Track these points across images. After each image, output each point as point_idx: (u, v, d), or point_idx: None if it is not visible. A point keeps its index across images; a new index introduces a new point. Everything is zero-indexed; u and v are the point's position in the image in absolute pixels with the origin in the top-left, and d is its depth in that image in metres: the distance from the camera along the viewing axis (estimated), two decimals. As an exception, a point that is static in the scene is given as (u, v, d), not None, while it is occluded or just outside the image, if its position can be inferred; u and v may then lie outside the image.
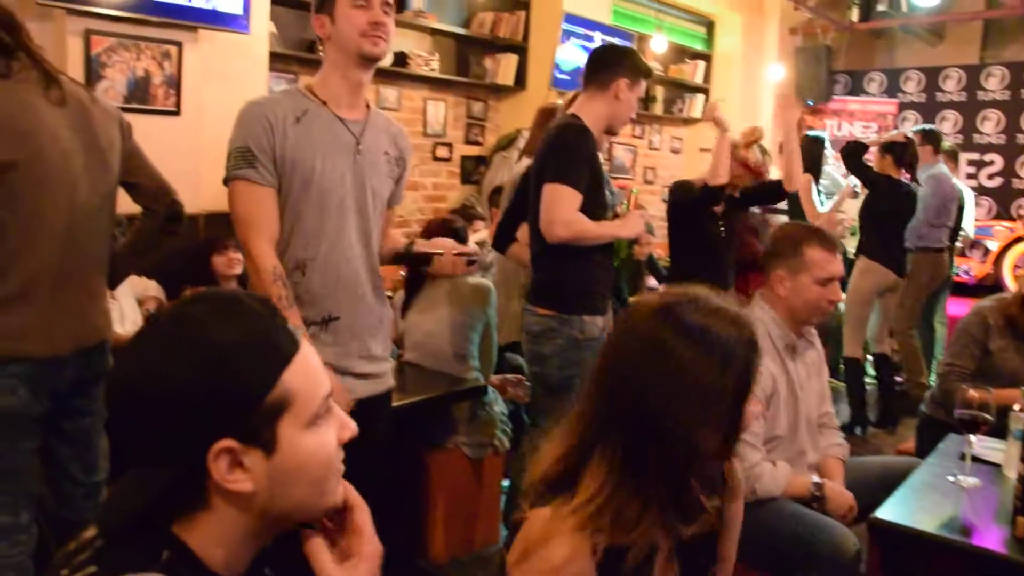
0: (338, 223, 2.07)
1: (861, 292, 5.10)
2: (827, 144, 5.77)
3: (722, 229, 3.60)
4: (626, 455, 1.21)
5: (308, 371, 0.92)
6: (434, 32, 5.93)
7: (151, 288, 3.76)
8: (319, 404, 0.92)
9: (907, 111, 9.26)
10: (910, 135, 5.30)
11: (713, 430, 1.20)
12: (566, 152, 2.67)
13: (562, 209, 2.61)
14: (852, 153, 5.08)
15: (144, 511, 0.86)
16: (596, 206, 2.72)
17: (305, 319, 2.04)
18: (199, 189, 4.16)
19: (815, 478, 2.35)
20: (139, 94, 3.97)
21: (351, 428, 0.97)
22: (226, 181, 2.02)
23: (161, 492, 0.86)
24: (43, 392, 2.04)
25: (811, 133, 6.04)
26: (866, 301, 5.12)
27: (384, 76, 5.62)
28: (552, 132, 2.76)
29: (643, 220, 2.85)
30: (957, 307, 6.20)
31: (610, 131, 2.85)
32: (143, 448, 0.86)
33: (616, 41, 6.69)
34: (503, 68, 6.32)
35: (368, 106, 2.18)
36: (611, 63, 2.82)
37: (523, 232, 3.44)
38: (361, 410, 2.07)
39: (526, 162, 3.78)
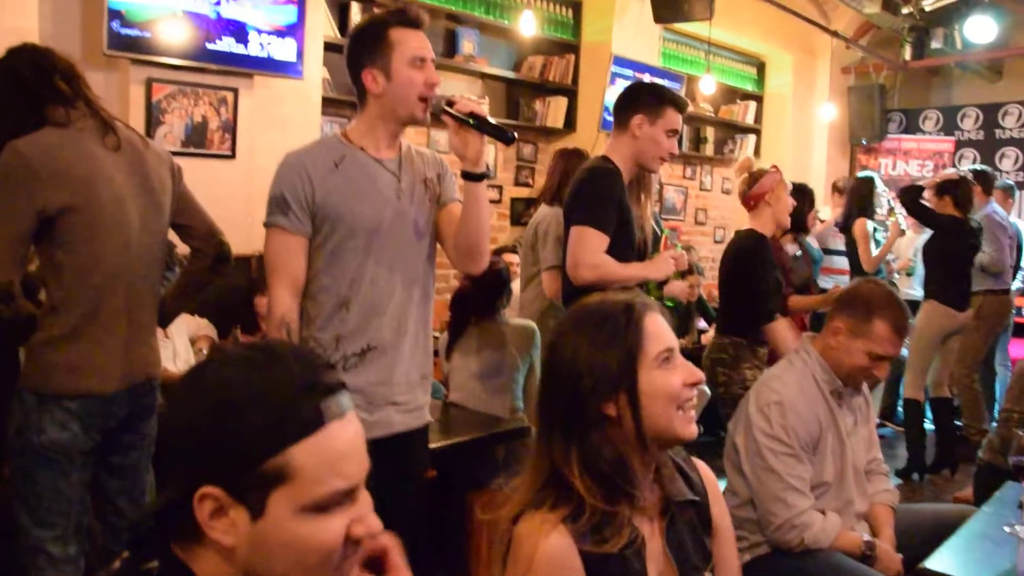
0: (381, 261, 2.07)
1: (928, 335, 4.97)
2: (877, 183, 5.69)
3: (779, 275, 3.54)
4: (560, 446, 1.35)
5: (327, 454, 0.85)
6: (484, 76, 6.03)
7: (203, 327, 3.83)
8: (328, 493, 0.85)
9: (964, 148, 9.08)
10: (963, 173, 5.20)
11: (617, 400, 1.34)
12: (592, 194, 2.67)
13: (587, 252, 2.60)
14: (910, 196, 4.99)
15: (148, 527, 0.88)
16: (625, 247, 2.70)
17: (346, 353, 2.05)
18: (251, 230, 4.18)
19: (866, 536, 2.28)
20: (196, 138, 4.09)
21: (370, 528, 0.89)
22: (265, 227, 2.06)
23: (159, 511, 0.87)
24: (94, 427, 2.09)
25: (861, 174, 5.97)
26: (932, 344, 4.99)
27: (435, 119, 5.70)
28: (580, 175, 2.76)
29: (672, 262, 2.81)
30: (1019, 349, 6.01)
31: (645, 168, 2.81)
32: (157, 469, 0.89)
33: (661, 81, 6.73)
34: (553, 111, 6.37)
35: (402, 145, 2.19)
36: (627, 102, 2.80)
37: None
38: (398, 445, 2.07)
39: (545, 209, 3.80)
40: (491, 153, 6.20)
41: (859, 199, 5.54)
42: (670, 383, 1.35)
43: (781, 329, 3.28)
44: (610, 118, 6.16)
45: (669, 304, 3.08)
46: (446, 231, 2.17)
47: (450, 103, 2.00)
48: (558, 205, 3.78)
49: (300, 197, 2.00)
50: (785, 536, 2.20)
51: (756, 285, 3.31)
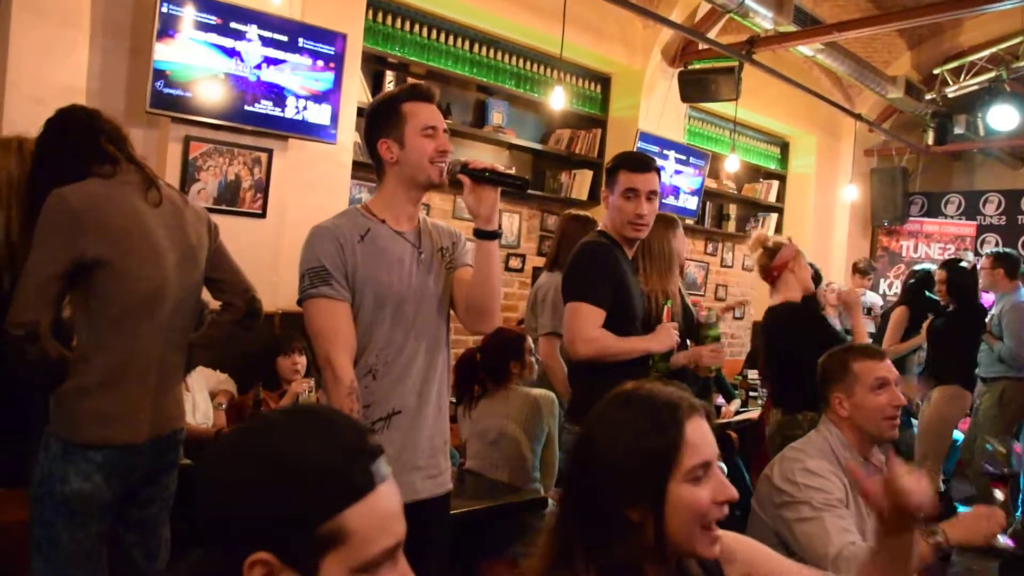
0: (406, 330, 2.11)
1: (947, 420, 4.87)
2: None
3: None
4: (574, 536, 1.27)
5: (377, 515, 0.87)
6: (512, 147, 6.11)
7: (223, 381, 3.82)
8: (378, 553, 0.86)
9: (987, 233, 9.07)
10: (969, 261, 5.19)
11: (641, 507, 1.24)
12: (585, 270, 2.67)
13: (583, 327, 2.58)
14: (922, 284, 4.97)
15: None
16: (625, 322, 2.67)
17: (372, 418, 2.07)
18: (277, 288, 4.26)
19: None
20: (229, 196, 4.15)
21: None
22: (300, 301, 2.07)
23: (200, 573, 0.87)
24: (116, 479, 2.09)
25: (919, 267, 5.90)
26: (950, 430, 4.91)
27: (454, 185, 5.78)
28: (575, 250, 2.77)
29: (675, 333, 2.79)
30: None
31: (626, 238, 2.76)
32: (199, 529, 0.86)
33: (684, 158, 6.80)
34: (578, 183, 6.42)
35: (419, 217, 2.24)
36: (606, 179, 2.81)
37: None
38: (421, 511, 2.07)
39: (546, 275, 3.80)
40: (516, 221, 6.25)
41: (911, 291, 5.48)
42: (699, 500, 1.26)
43: None
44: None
45: (712, 372, 3.06)
46: (457, 293, 2.21)
47: (465, 165, 2.07)
48: (558, 271, 3.83)
49: (339, 267, 2.04)
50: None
51: (815, 352, 3.29)
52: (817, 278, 4.46)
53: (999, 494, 2.17)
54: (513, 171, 2.07)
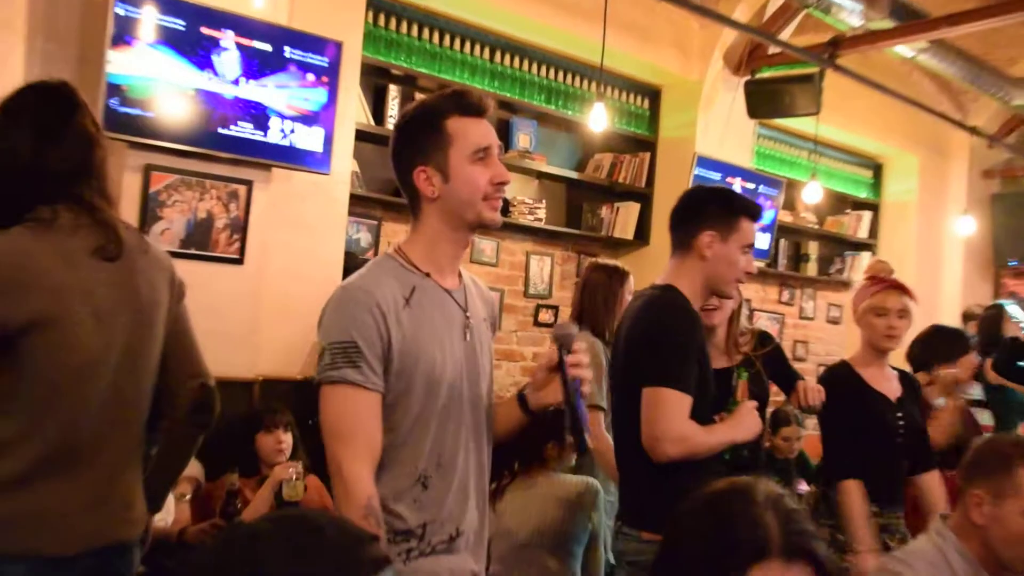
0: (460, 421, 2.06)
1: None
2: (1011, 311, 5.52)
3: (900, 420, 3.41)
4: None
5: None
6: (542, 176, 6.09)
7: (189, 465, 3.75)
8: None
9: None
10: None
11: None
12: (670, 343, 2.60)
13: (672, 421, 2.53)
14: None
15: None
16: (703, 403, 2.64)
17: (433, 542, 2.02)
18: (257, 350, 4.25)
19: None
20: (199, 238, 4.13)
21: None
22: (319, 383, 1.98)
23: None
24: None
25: (996, 302, 5.82)
26: None
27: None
28: (645, 313, 2.69)
29: (757, 414, 2.75)
30: None
31: (719, 295, 2.80)
32: None
33: (751, 187, 6.74)
34: (622, 219, 6.40)
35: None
36: (688, 214, 2.76)
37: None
38: None
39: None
40: (547, 266, 6.20)
41: (987, 334, 5.37)
42: None
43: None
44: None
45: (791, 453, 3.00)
46: None
47: (569, 350, 1.99)
48: (587, 330, 3.82)
49: (376, 345, 1.93)
50: None
51: (847, 422, 3.30)
52: (960, 347, 4.36)
53: None
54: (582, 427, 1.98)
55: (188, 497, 3.63)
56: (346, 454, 1.91)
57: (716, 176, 6.45)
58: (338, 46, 4.43)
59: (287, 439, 3.90)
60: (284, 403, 4.08)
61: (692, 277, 2.71)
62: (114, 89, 3.80)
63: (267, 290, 4.35)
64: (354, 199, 4.89)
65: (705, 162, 6.39)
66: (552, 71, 6.10)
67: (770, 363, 3.24)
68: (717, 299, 2.94)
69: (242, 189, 4.25)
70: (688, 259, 2.71)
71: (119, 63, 3.81)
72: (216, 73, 4.06)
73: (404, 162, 2.05)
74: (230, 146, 4.13)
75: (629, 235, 6.39)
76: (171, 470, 2.38)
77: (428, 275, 2.04)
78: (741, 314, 3.22)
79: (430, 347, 1.98)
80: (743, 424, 2.68)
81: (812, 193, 6.75)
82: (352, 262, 4.74)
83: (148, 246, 2.26)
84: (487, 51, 5.75)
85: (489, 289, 2.29)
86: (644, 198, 6.46)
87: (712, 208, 2.72)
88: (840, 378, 3.41)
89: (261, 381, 4.27)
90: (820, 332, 8.23)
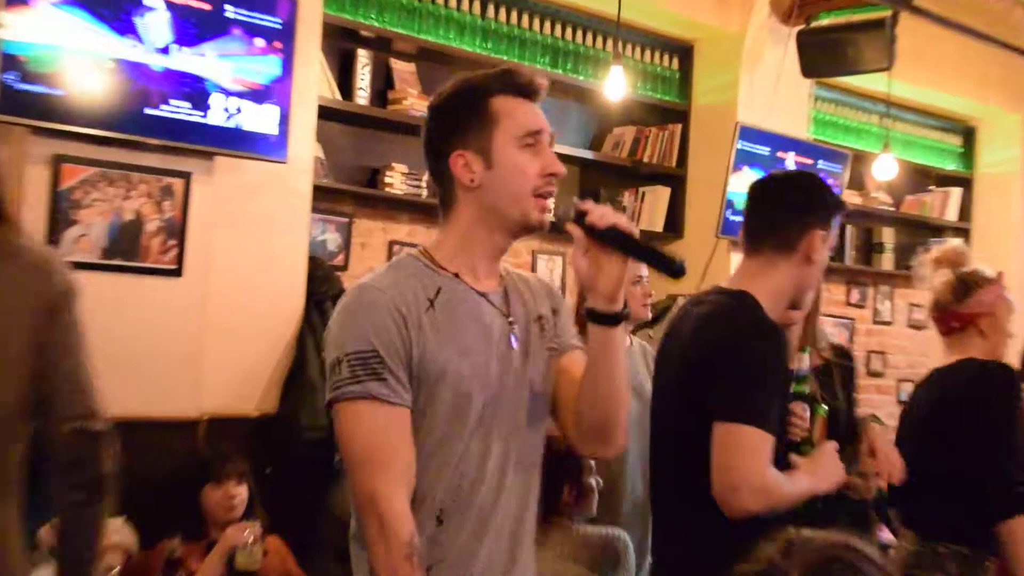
0: (489, 449, 2.10)
1: None
2: None
3: None
4: None
5: None
6: (550, 156, 6.03)
7: (117, 529, 3.67)
8: None
9: None
10: None
11: None
12: (754, 369, 2.59)
13: (754, 469, 2.51)
14: None
15: None
16: (777, 440, 2.65)
17: None
18: (200, 383, 4.22)
19: None
20: (125, 245, 4.08)
21: None
22: (333, 401, 2.04)
23: None
24: None
25: None
26: None
27: (561, 234, 5.72)
28: (717, 327, 2.69)
29: (838, 458, 2.76)
30: None
31: (795, 307, 2.84)
32: None
33: (808, 163, 6.67)
34: (648, 206, 6.39)
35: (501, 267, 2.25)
36: (798, 207, 2.78)
37: None
38: None
39: None
40: (557, 267, 6.13)
41: None
42: None
43: None
44: (736, 218, 6.14)
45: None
46: (564, 395, 2.19)
47: (580, 212, 2.02)
48: None
49: (399, 352, 2.00)
50: None
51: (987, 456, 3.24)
52: None
53: None
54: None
55: (116, 572, 3.57)
56: (380, 483, 1.97)
57: (764, 151, 6.43)
58: (293, 3, 4.40)
59: (240, 493, 3.90)
60: (236, 448, 4.07)
61: (782, 283, 2.74)
62: (11, 61, 3.75)
63: (212, 308, 4.32)
64: (319, 192, 4.86)
65: (750, 133, 6.35)
66: (558, 27, 6.05)
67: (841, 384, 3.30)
68: None
69: (178, 183, 4.21)
70: (785, 261, 2.74)
71: (16, 27, 3.76)
72: (140, 39, 4.00)
73: (438, 146, 2.13)
74: (161, 130, 4.09)
75: (658, 226, 6.38)
76: (72, 554, 2.25)
77: (457, 275, 2.12)
78: (820, 307, 3.27)
79: (458, 357, 2.05)
80: (825, 472, 2.68)
81: (885, 167, 6.73)
82: (318, 269, 4.72)
83: (21, 249, 2.18)
84: (477, 4, 5.71)
85: (552, 286, 2.35)
86: (675, 180, 6.43)
87: (820, 200, 2.78)
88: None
89: (207, 420, 4.26)
90: (900, 340, 8.18)
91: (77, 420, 2.19)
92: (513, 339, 2.14)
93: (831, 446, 2.73)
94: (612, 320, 2.03)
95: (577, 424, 2.15)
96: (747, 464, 2.50)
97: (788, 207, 2.78)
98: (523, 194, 2.07)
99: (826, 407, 2.97)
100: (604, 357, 2.06)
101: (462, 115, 2.10)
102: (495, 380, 2.09)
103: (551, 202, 2.10)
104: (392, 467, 1.98)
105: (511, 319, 2.15)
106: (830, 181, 6.74)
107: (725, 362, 2.59)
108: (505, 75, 2.14)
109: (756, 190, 2.88)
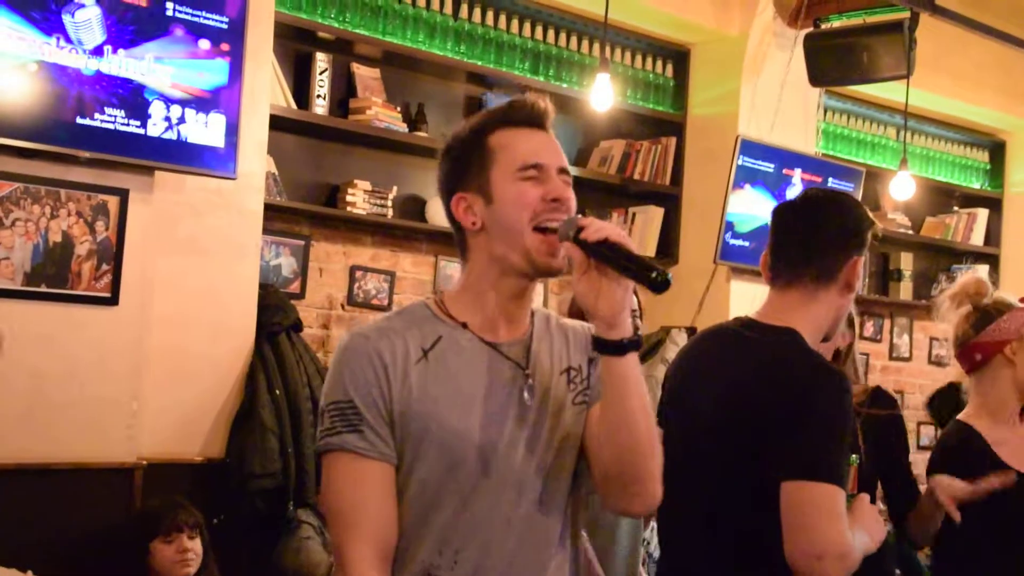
0: (495, 508, 2.09)
1: None
2: None
3: None
4: None
5: None
6: (529, 171, 6.04)
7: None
8: None
9: None
10: None
11: None
12: (834, 427, 2.59)
13: (836, 531, 2.51)
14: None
15: None
16: None
17: None
18: (137, 425, 4.20)
19: None
20: (51, 271, 4.06)
21: None
22: (317, 452, 2.20)
23: None
24: None
25: None
26: None
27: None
28: (784, 376, 2.67)
29: (879, 514, 2.80)
30: None
31: (826, 338, 2.86)
32: None
33: (817, 180, 6.69)
34: (639, 228, 6.40)
35: (533, 312, 2.23)
36: (838, 232, 2.78)
37: None
38: None
39: None
40: (538, 296, 6.09)
41: None
42: None
43: None
44: (737, 242, 6.17)
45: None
46: (588, 447, 2.18)
47: (579, 228, 2.02)
48: None
49: (376, 403, 2.05)
50: None
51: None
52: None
53: None
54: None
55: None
56: (346, 541, 2.03)
57: (768, 167, 6.46)
58: (242, 1, 4.39)
59: (195, 547, 3.92)
60: (185, 493, 4.09)
61: (823, 316, 2.77)
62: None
63: (151, 341, 4.31)
64: (271, 211, 4.87)
65: (752, 148, 6.37)
66: (539, 29, 6.07)
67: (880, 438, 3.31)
68: None
69: (113, 201, 4.21)
70: (825, 292, 2.75)
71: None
72: (69, 39, 3.99)
73: (444, 192, 2.21)
74: (93, 142, 4.08)
75: (650, 250, 6.38)
76: None
77: (465, 325, 2.14)
78: (854, 348, 3.33)
79: (447, 411, 2.07)
80: (871, 526, 2.70)
81: (903, 186, 6.75)
82: (270, 297, 4.70)
83: None
84: (449, 3, 5.72)
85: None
86: (669, 199, 6.46)
87: (859, 224, 2.80)
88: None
89: (145, 467, 4.22)
90: (920, 378, 8.21)
91: None
92: (527, 394, 2.14)
93: (865, 499, 2.76)
94: (617, 348, 2.02)
95: (603, 478, 2.14)
96: (830, 528, 2.51)
97: (828, 233, 2.78)
98: (522, 226, 2.07)
99: (856, 456, 2.99)
100: (616, 395, 2.06)
101: (463, 155, 2.16)
102: (499, 438, 2.09)
103: (559, 231, 2.07)
104: (361, 526, 2.03)
105: (527, 371, 2.15)
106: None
107: (798, 415, 2.59)
108: (506, 107, 2.18)
109: (788, 213, 2.89)
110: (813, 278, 2.74)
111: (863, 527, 2.67)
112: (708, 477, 2.68)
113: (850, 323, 3.39)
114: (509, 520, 2.09)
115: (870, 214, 2.86)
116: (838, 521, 2.51)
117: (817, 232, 2.80)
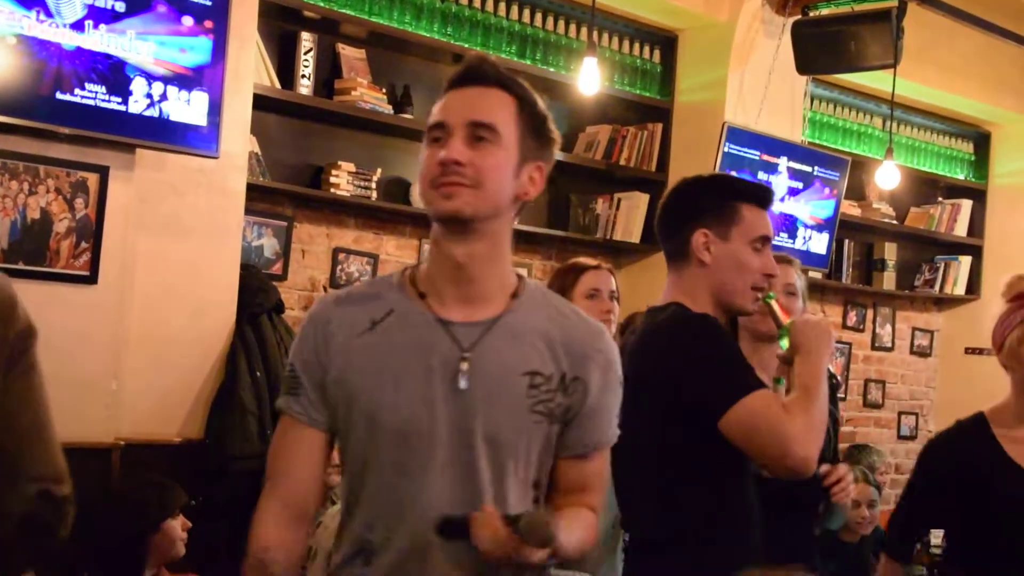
0: (424, 488, 2.09)
1: None
2: None
3: None
4: None
5: None
6: (513, 156, 6.03)
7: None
8: None
9: None
10: None
11: None
12: (718, 352, 2.75)
13: (781, 422, 2.63)
14: None
15: None
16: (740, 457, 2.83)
17: None
18: (116, 405, 4.19)
19: None
20: (29, 248, 4.05)
21: None
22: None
23: None
24: None
25: None
26: None
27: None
28: (659, 342, 2.80)
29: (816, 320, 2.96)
30: None
31: (735, 311, 2.94)
32: None
33: (804, 168, 6.67)
34: (625, 215, 6.39)
35: (516, 293, 2.21)
36: (678, 212, 2.92)
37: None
38: None
39: None
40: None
41: None
42: None
43: None
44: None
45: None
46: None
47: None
48: None
49: (314, 372, 2.15)
50: None
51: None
52: None
53: None
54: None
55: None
56: (264, 495, 2.19)
57: (754, 154, 6.45)
58: (226, -23, 4.39)
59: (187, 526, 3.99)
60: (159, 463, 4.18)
61: (696, 292, 2.84)
62: None
63: (131, 320, 4.30)
64: (254, 191, 4.85)
65: (738, 135, 6.37)
66: (527, 12, 6.05)
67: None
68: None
69: (93, 179, 4.19)
70: (686, 269, 2.86)
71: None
72: (50, 13, 3.98)
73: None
74: (73, 118, 4.07)
75: (635, 237, 6.38)
76: None
77: (423, 296, 2.15)
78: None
79: (380, 385, 2.10)
80: (810, 343, 2.79)
81: (888, 176, 6.77)
82: (252, 278, 4.69)
83: None
84: (437, -15, 5.71)
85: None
86: (655, 186, 6.38)
87: (704, 199, 2.90)
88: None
89: (123, 447, 4.21)
90: (902, 368, 8.22)
91: (43, 481, 2.11)
92: (463, 380, 2.10)
93: (798, 321, 2.88)
94: None
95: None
96: (773, 424, 2.64)
97: (671, 212, 2.94)
98: (426, 184, 2.11)
99: (782, 378, 3.13)
100: None
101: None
102: (424, 418, 2.08)
103: (461, 184, 2.07)
104: (279, 485, 2.19)
105: (469, 355, 2.10)
106: (827, 189, 6.81)
107: (692, 353, 2.73)
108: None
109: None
110: (671, 258, 2.91)
111: (804, 357, 2.77)
112: (647, 444, 2.73)
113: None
114: (432, 494, 2.07)
115: (740, 184, 3.12)
116: (777, 414, 2.64)
117: (662, 215, 2.97)
